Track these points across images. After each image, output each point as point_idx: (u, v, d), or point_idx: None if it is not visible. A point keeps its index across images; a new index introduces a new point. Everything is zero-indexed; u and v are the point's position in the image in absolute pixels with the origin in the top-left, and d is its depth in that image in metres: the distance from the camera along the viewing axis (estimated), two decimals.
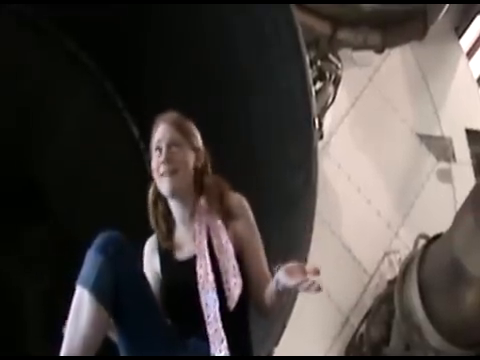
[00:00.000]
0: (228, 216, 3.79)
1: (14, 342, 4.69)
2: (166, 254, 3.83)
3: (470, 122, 10.54)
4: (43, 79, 6.47)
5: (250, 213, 3.84)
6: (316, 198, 5.39)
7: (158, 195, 3.84)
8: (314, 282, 3.29)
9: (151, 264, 3.84)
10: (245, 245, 3.77)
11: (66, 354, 3.48)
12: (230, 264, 3.63)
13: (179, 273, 3.74)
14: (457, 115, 10.39)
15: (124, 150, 6.41)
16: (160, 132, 3.83)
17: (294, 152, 5.67)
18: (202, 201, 3.79)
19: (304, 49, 5.66)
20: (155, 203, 3.87)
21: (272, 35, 5.78)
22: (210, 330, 3.54)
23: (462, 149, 10.22)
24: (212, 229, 3.73)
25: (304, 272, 3.33)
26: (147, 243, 3.93)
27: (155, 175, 3.79)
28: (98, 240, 3.57)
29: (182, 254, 3.78)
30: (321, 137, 8.18)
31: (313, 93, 5.78)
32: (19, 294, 5.31)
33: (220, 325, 3.53)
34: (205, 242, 3.69)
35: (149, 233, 3.92)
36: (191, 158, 3.82)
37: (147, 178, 3.93)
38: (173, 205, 3.82)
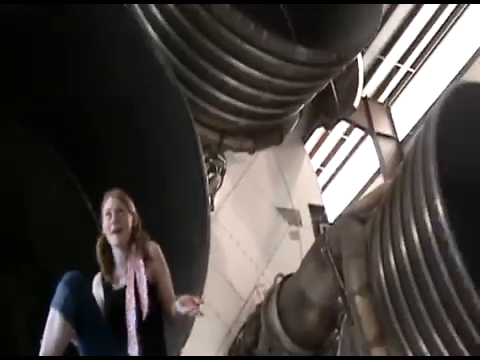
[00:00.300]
0: (148, 258, 3.86)
1: (8, 348, 4.62)
2: (107, 286, 3.89)
3: (312, 199, 10.60)
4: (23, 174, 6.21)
5: (162, 256, 3.93)
6: (209, 252, 5.43)
7: (106, 245, 3.90)
8: (198, 310, 3.50)
9: (98, 293, 3.90)
10: (159, 278, 3.84)
11: (43, 353, 3.61)
12: (144, 292, 3.72)
13: (115, 299, 3.80)
14: (302, 195, 10.42)
15: (82, 219, 6.25)
16: (109, 202, 3.93)
17: (194, 220, 5.64)
18: (133, 248, 3.87)
19: (201, 152, 5.76)
20: (103, 251, 3.91)
21: (181, 143, 5.80)
22: (130, 336, 3.65)
23: (306, 218, 10.23)
24: (136, 267, 3.79)
25: (193, 302, 3.53)
26: (94, 279, 3.96)
27: (107, 232, 3.89)
28: (65, 277, 3.73)
29: (117, 285, 3.85)
30: (212, 210, 8.06)
31: (207, 180, 5.90)
32: (11, 313, 5.27)
33: (135, 333, 3.62)
34: (132, 277, 3.76)
35: (96, 271, 3.97)
36: (130, 220, 3.93)
37: (96, 236, 3.96)
38: (115, 252, 3.91)
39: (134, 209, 3.99)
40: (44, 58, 5.84)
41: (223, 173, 8.61)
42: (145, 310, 3.67)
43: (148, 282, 3.77)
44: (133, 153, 6.05)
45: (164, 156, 5.91)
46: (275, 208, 9.93)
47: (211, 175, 8.35)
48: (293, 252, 9.39)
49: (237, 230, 9.23)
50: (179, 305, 3.58)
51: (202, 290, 5.17)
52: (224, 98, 7.57)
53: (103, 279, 3.91)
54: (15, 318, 5.26)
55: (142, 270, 3.76)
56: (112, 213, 3.88)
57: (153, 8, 7.04)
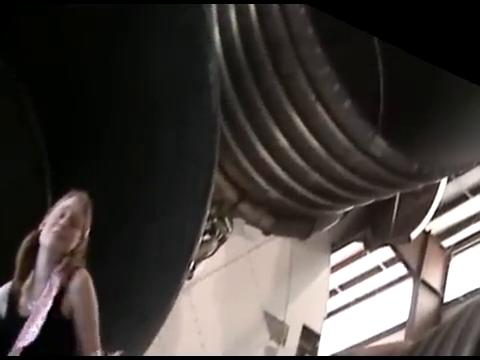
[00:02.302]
0: (66, 288, 3.74)
1: None
2: (13, 305, 3.79)
3: (309, 321, 10.56)
4: None
5: (91, 292, 3.81)
6: (163, 321, 5.49)
7: (33, 248, 3.81)
8: None
9: None
10: (77, 315, 3.73)
11: None
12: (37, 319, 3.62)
13: (16, 325, 3.68)
14: (302, 311, 10.41)
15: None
16: (70, 202, 3.87)
17: (165, 279, 5.69)
18: (59, 267, 3.77)
19: (208, 204, 5.75)
20: (27, 254, 3.82)
21: (190, 179, 5.86)
22: None
23: (293, 338, 10.22)
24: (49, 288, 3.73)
25: None
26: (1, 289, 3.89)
27: (45, 230, 3.80)
28: None
29: (24, 307, 3.75)
30: (190, 278, 8.00)
31: (199, 240, 5.85)
32: None
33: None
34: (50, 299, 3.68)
35: None
36: (77, 236, 3.84)
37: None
38: (40, 259, 3.80)
39: (88, 229, 3.92)
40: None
41: (222, 241, 8.59)
42: (25, 341, 3.58)
43: (56, 315, 3.68)
44: (131, 163, 6.21)
45: (164, 184, 6.05)
46: (263, 312, 9.95)
47: (207, 237, 8.32)
48: None
49: (206, 316, 9.24)
50: None
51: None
52: (265, 156, 7.59)
53: (11, 293, 3.83)
54: None
55: (50, 300, 3.68)
56: (67, 215, 3.82)
57: (231, 11, 7.15)
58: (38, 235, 3.82)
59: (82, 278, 3.81)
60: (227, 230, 8.48)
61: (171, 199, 5.96)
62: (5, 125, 6.50)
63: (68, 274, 3.78)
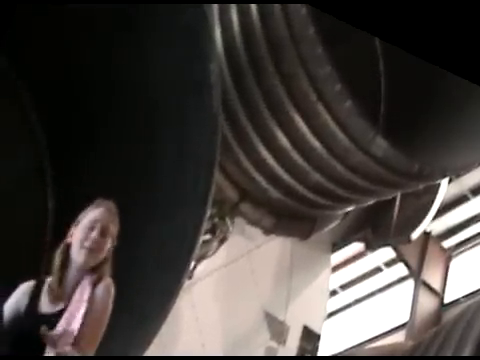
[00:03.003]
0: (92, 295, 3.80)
1: None
2: (34, 301, 3.84)
3: (310, 321, 10.58)
4: None
5: (109, 300, 3.87)
6: (163, 322, 5.50)
7: (68, 255, 3.86)
8: None
9: (17, 302, 3.85)
10: (90, 319, 3.77)
11: None
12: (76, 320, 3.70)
13: (37, 320, 3.73)
14: (302, 311, 10.43)
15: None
16: (99, 214, 3.92)
17: (165, 279, 5.69)
18: (90, 276, 3.84)
19: (208, 204, 5.74)
20: (64, 262, 3.86)
21: (190, 180, 5.86)
22: None
23: (293, 339, 10.25)
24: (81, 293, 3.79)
25: None
26: (23, 286, 3.93)
27: (76, 244, 3.86)
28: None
29: (48, 306, 3.82)
30: (190, 278, 8.07)
31: (200, 240, 5.86)
32: None
33: None
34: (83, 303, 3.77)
35: None
36: (108, 246, 3.90)
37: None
38: (72, 268, 3.86)
39: (116, 234, 4.00)
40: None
41: (223, 241, 8.61)
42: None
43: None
44: (133, 165, 6.19)
45: (165, 185, 6.04)
46: (263, 311, 9.98)
47: (208, 237, 8.34)
48: None
49: (207, 316, 9.28)
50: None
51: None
52: (265, 155, 7.61)
53: (33, 293, 3.88)
54: None
55: (85, 303, 3.78)
56: (97, 228, 3.88)
57: (232, 11, 7.18)
58: (68, 247, 3.88)
59: (107, 285, 3.89)
60: (228, 230, 8.49)
61: (172, 199, 5.96)
62: (6, 125, 6.51)
63: (97, 280, 3.86)
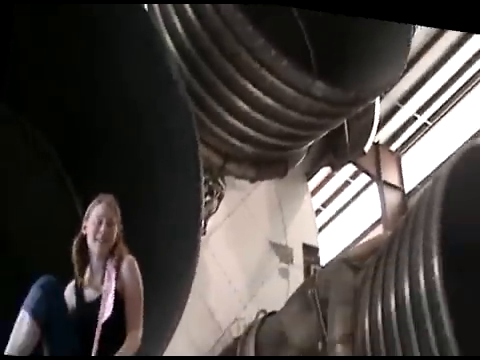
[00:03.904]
0: (119, 272, 3.85)
1: None
2: (80, 295, 3.88)
3: (307, 239, 10.56)
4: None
5: (137, 273, 3.91)
6: (194, 277, 5.43)
7: (84, 245, 3.91)
8: None
9: (70, 301, 3.88)
10: (127, 294, 3.82)
11: (9, 350, 3.63)
12: (109, 302, 3.73)
13: (87, 310, 3.80)
14: (298, 233, 10.41)
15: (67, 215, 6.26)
16: (103, 210, 3.95)
17: (184, 243, 5.63)
18: (110, 259, 3.89)
19: (201, 173, 5.75)
20: (79, 251, 3.91)
21: (182, 160, 5.80)
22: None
23: (298, 257, 10.21)
24: (108, 278, 3.83)
25: None
26: (68, 285, 3.96)
27: (90, 237, 3.91)
28: (40, 280, 3.78)
29: (90, 295, 3.85)
30: (204, 233, 8.12)
31: (203, 203, 5.84)
32: None
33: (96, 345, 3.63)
34: (112, 282, 3.80)
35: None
36: (115, 232, 3.95)
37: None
38: (93, 257, 3.91)
39: (120, 219, 4.03)
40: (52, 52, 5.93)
41: (220, 198, 8.63)
42: (104, 317, 3.68)
43: (116, 294, 3.78)
44: (130, 160, 6.09)
45: (162, 171, 5.92)
46: (268, 242, 9.94)
47: (208, 198, 8.36)
48: (280, 289, 9.40)
49: (226, 259, 9.23)
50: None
51: (181, 315, 5.17)
52: (233, 122, 7.63)
53: (77, 287, 3.93)
54: None
55: (113, 282, 3.80)
56: (103, 222, 3.92)
57: (174, 17, 7.16)
58: (84, 238, 3.93)
59: (129, 261, 3.94)
60: (222, 188, 8.53)
61: (170, 180, 5.90)
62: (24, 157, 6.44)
63: (118, 261, 3.91)
